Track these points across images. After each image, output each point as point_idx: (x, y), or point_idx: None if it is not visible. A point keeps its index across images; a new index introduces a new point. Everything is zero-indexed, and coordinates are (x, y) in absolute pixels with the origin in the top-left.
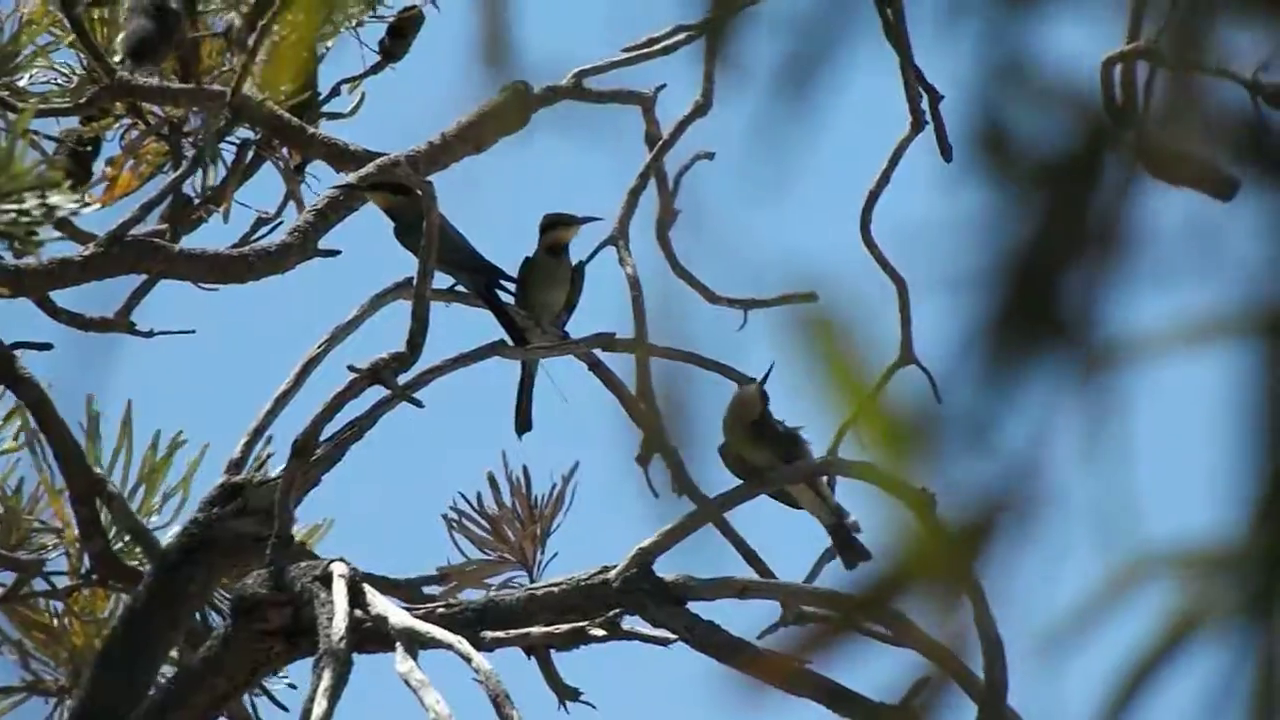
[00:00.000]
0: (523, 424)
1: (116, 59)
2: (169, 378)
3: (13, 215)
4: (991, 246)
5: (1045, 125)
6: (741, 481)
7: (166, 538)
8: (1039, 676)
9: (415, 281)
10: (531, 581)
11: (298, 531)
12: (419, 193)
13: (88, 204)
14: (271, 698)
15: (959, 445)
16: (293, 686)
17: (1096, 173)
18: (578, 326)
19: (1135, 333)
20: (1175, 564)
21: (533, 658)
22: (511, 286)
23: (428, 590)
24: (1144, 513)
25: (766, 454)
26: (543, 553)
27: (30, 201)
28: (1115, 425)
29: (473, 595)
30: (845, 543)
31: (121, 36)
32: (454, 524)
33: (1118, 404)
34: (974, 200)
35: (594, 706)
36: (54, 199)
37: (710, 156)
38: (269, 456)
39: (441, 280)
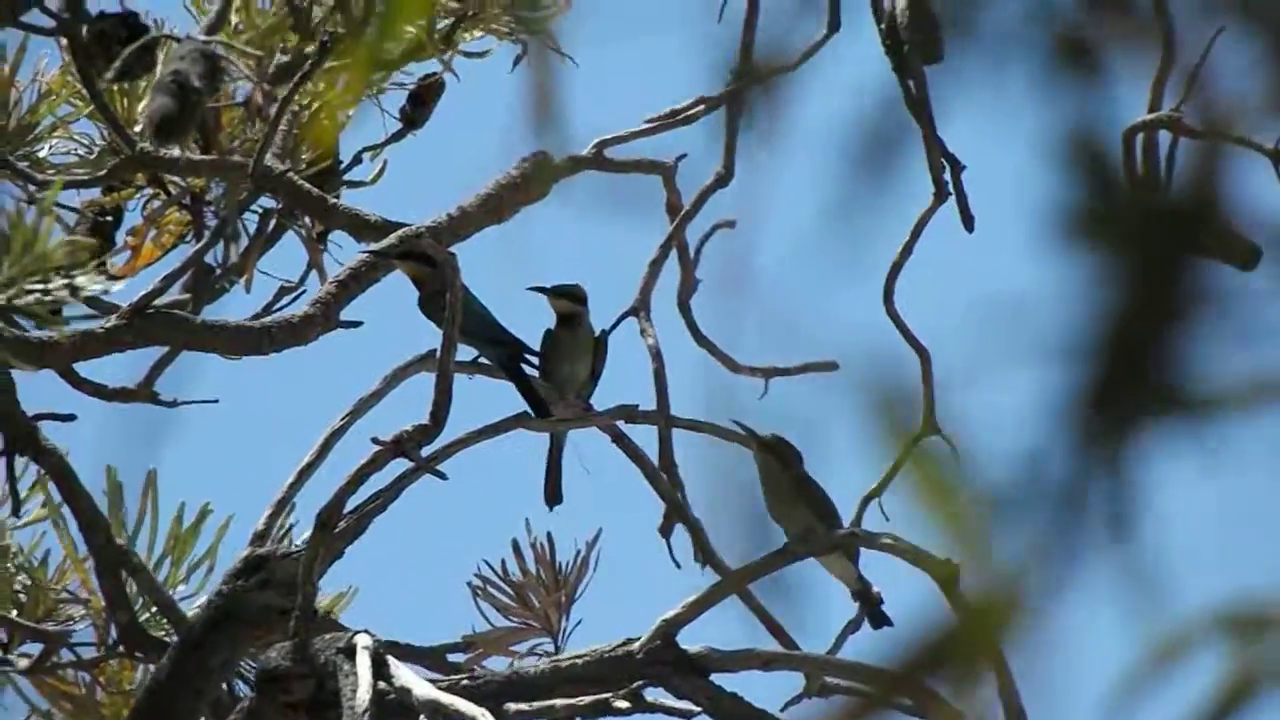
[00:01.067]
0: (553, 496)
1: (137, 129)
2: (193, 448)
3: (37, 295)
4: (1086, 316)
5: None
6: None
7: (192, 609)
8: None
9: (439, 354)
10: (556, 648)
11: (322, 599)
12: (443, 264)
13: (113, 282)
14: None
15: (1052, 516)
16: None
17: (1187, 240)
18: (604, 396)
19: (1223, 390)
20: (1231, 627)
21: None
22: (535, 359)
23: (453, 658)
24: (1202, 575)
25: (804, 515)
26: (567, 620)
27: (55, 282)
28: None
29: (498, 663)
30: (873, 609)
31: (144, 115)
32: (479, 591)
33: (1216, 467)
34: (1060, 272)
35: None
36: (80, 280)
37: (732, 225)
38: (293, 527)
39: (465, 353)
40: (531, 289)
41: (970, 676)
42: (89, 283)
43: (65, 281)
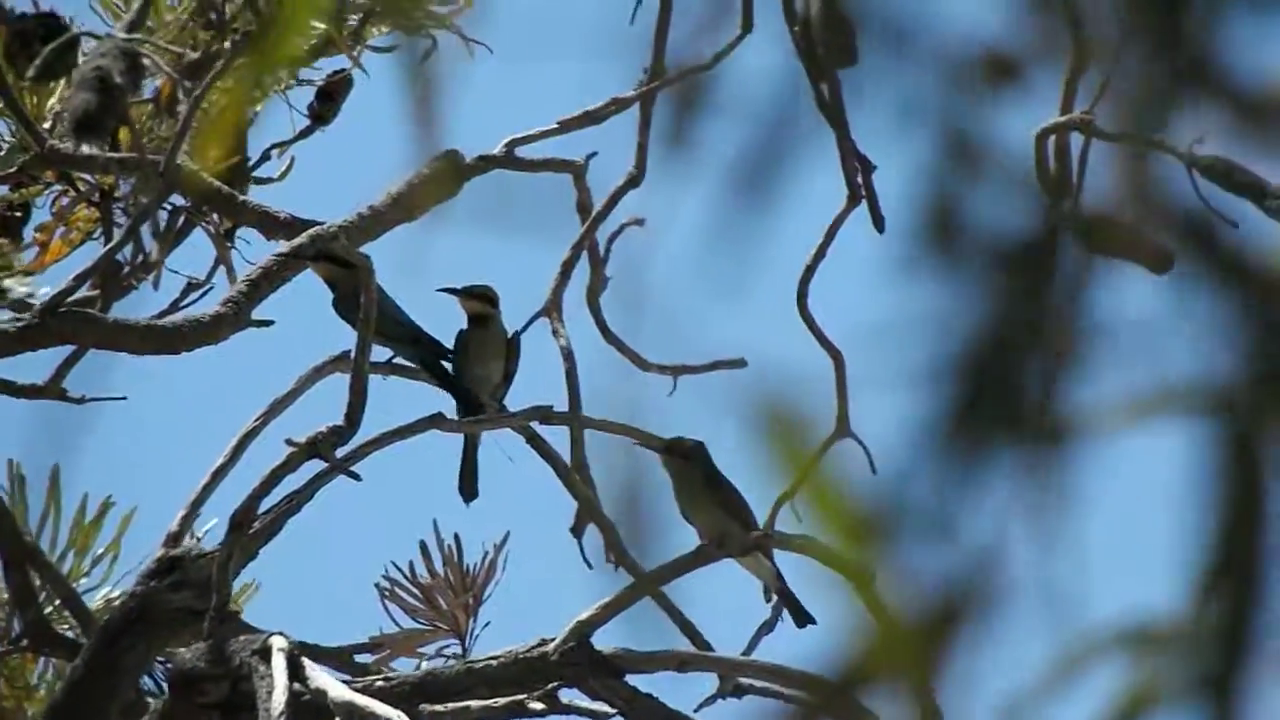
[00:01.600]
0: (469, 492)
1: (46, 126)
2: (103, 448)
3: None
4: (947, 338)
5: (999, 213)
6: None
7: (95, 600)
8: None
9: (354, 355)
10: (464, 650)
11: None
12: (358, 267)
13: (37, 286)
14: None
15: (918, 536)
16: None
17: (1052, 260)
18: (516, 396)
19: (1089, 411)
20: (1128, 642)
21: None
22: (450, 359)
23: (360, 658)
24: (1097, 593)
25: (718, 517)
26: (475, 622)
27: None
28: (1071, 510)
29: (406, 664)
30: (794, 604)
31: (65, 110)
32: (386, 593)
33: (1074, 489)
34: (926, 292)
35: None
36: (6, 283)
37: (640, 223)
38: (210, 528)
39: (380, 353)
40: (442, 290)
41: (895, 690)
42: (16, 285)
43: None
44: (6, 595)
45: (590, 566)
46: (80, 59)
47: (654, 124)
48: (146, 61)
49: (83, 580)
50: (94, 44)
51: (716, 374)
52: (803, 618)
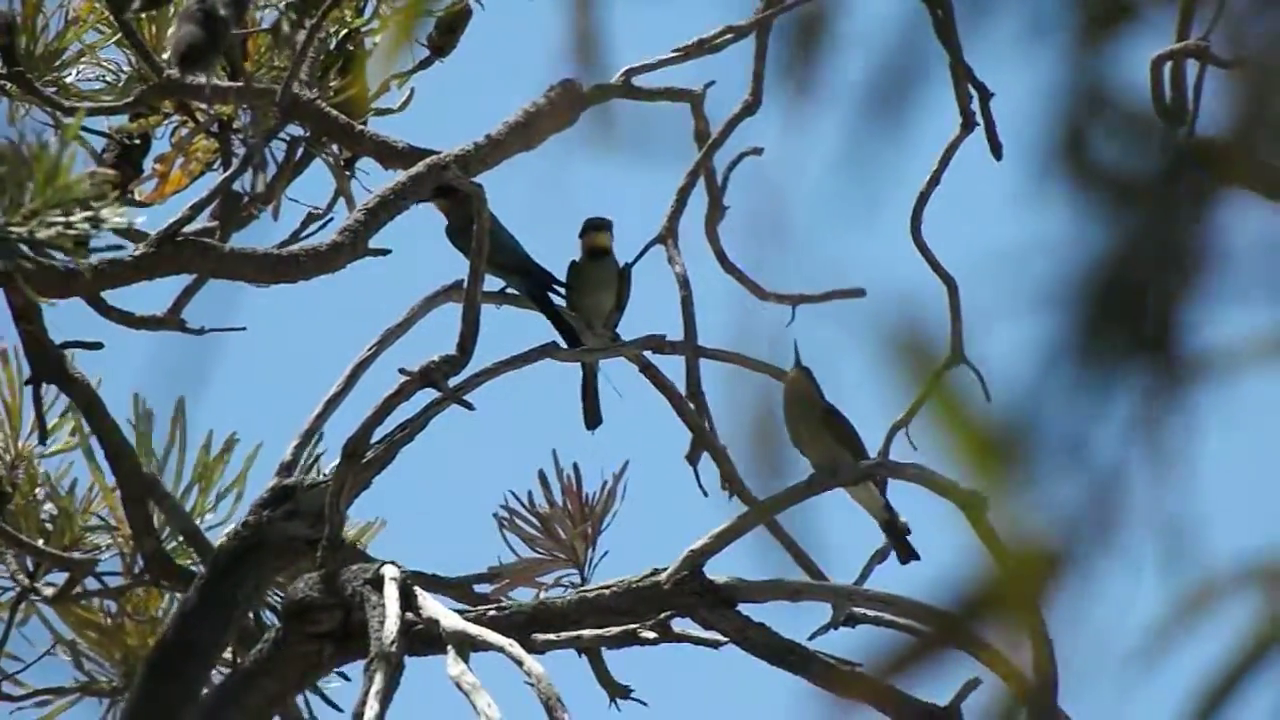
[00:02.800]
0: (592, 419)
1: (165, 56)
2: (222, 377)
3: (60, 228)
4: (1076, 263)
5: (1127, 143)
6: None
7: (220, 537)
8: (1118, 697)
9: (466, 284)
10: (583, 580)
11: (350, 531)
12: (470, 196)
13: (136, 214)
14: (324, 697)
15: (1049, 462)
16: (346, 679)
17: (1179, 190)
18: (630, 325)
19: (1217, 348)
20: (1256, 578)
21: (584, 656)
22: (561, 289)
23: (479, 589)
24: (1222, 527)
25: (830, 445)
26: (594, 551)
27: (77, 214)
28: (1195, 438)
29: (524, 594)
30: (899, 540)
31: (170, 43)
32: (505, 522)
33: (1201, 419)
34: (1055, 218)
35: (645, 704)
36: (104, 212)
37: (759, 152)
38: (320, 456)
39: (492, 283)
40: (590, 221)
41: (1013, 625)
42: (112, 215)
43: (88, 214)
44: (129, 530)
45: (706, 494)
46: None
47: (773, 54)
48: None
49: (207, 516)
50: None
51: (835, 303)
52: (907, 553)
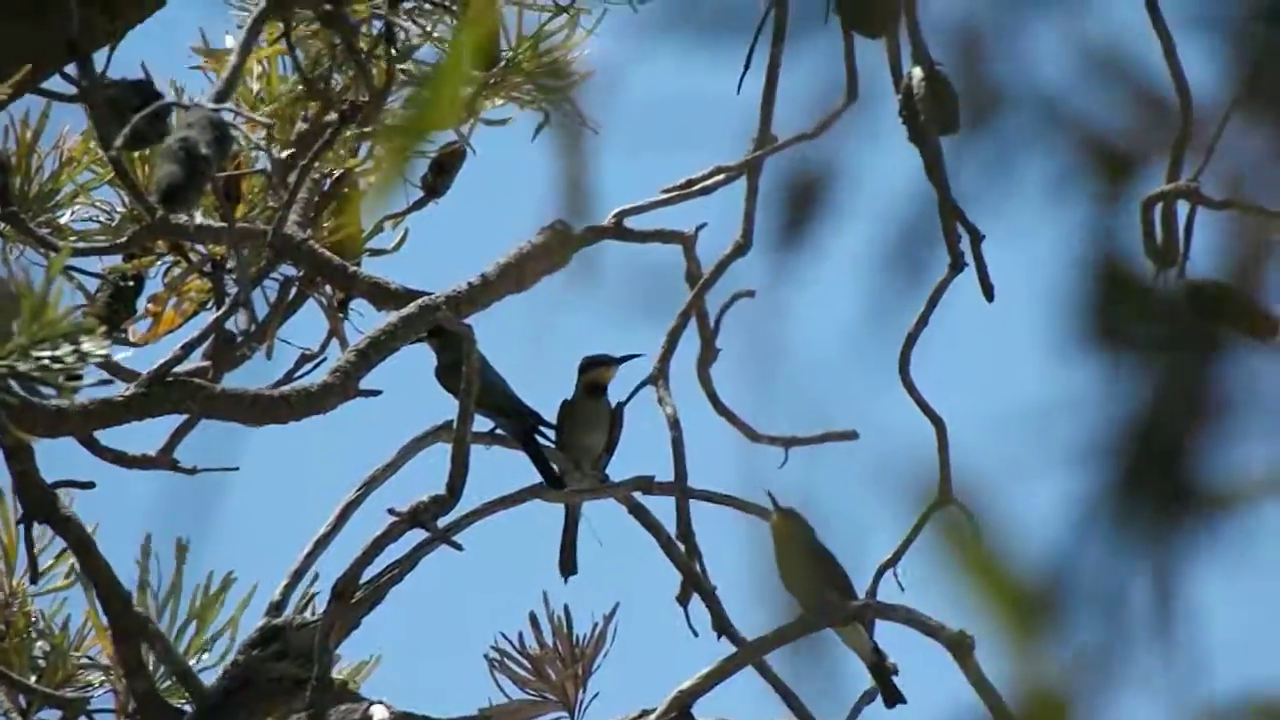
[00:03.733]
0: (567, 567)
1: (151, 195)
2: (211, 516)
3: (45, 362)
4: (1111, 419)
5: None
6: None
7: (211, 679)
8: None
9: (456, 425)
10: None
11: (343, 669)
12: (460, 337)
13: (121, 344)
14: None
15: (1087, 613)
16: None
17: (1210, 341)
18: (620, 465)
19: (1236, 482)
20: (1252, 713)
21: None
22: (549, 430)
23: None
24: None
25: (820, 586)
26: (584, 693)
27: (64, 348)
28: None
29: None
30: (885, 683)
31: (152, 181)
32: (496, 664)
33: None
34: (1078, 377)
35: None
36: (86, 345)
37: (751, 295)
38: (315, 596)
39: (482, 424)
40: (593, 358)
41: None
42: (96, 347)
43: (73, 348)
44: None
45: (696, 635)
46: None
47: (769, 216)
48: (235, 132)
49: (204, 656)
50: (182, 113)
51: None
52: (893, 697)
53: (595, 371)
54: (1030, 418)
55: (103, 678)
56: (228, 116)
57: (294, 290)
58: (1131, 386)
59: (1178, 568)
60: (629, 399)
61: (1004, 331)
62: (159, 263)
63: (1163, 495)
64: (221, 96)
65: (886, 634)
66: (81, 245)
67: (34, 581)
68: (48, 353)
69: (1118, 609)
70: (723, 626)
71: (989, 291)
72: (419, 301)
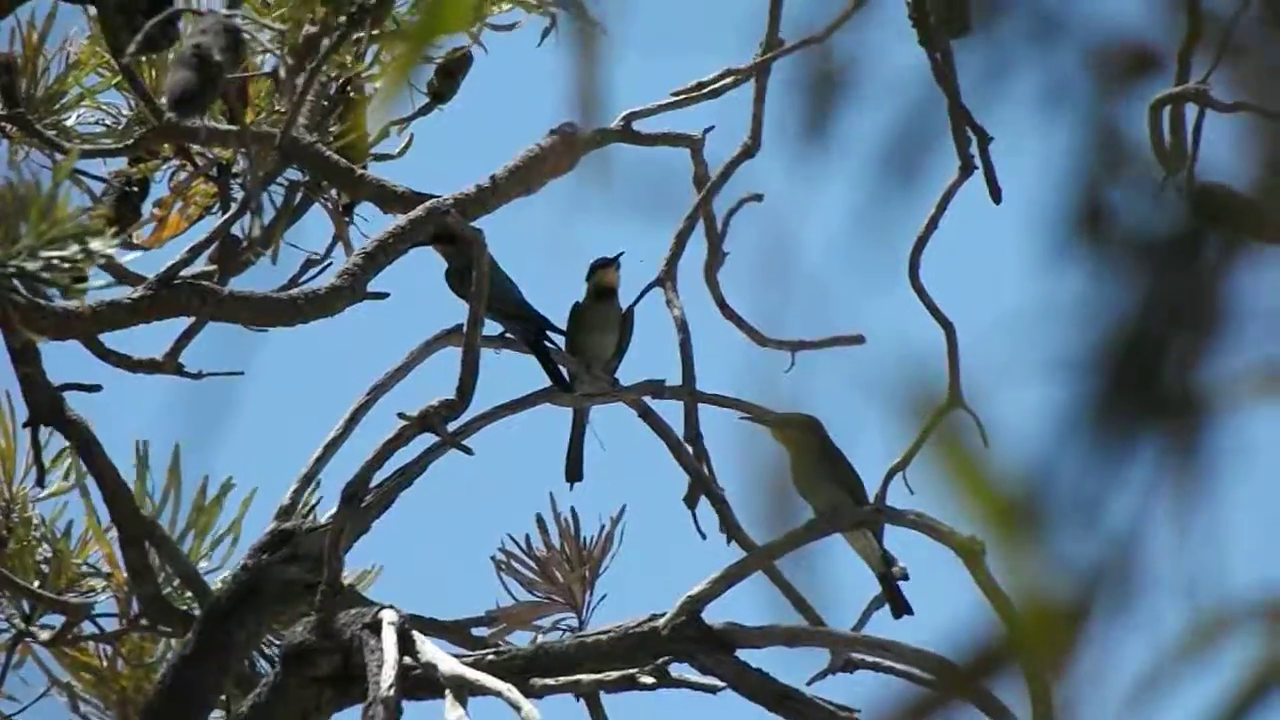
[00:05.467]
0: (574, 473)
1: (162, 102)
2: (222, 420)
3: (53, 261)
4: (1094, 326)
5: (1141, 203)
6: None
7: (216, 582)
8: None
9: (465, 329)
10: (580, 623)
11: (348, 575)
12: (470, 242)
13: (128, 247)
14: None
15: (1065, 521)
16: None
17: (1197, 251)
18: (628, 366)
19: (1227, 386)
20: (1260, 616)
21: (582, 700)
22: (557, 335)
23: (477, 632)
24: (1236, 569)
25: (831, 490)
26: (591, 595)
27: (71, 248)
28: (1212, 494)
29: (522, 638)
30: (893, 593)
31: (165, 88)
32: (503, 566)
33: (1215, 472)
34: (1070, 281)
35: None
36: (95, 244)
37: (759, 198)
38: (319, 502)
39: (491, 327)
40: (600, 260)
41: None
42: (103, 246)
43: (80, 248)
44: (125, 575)
45: (704, 537)
46: (182, 34)
47: (773, 98)
48: (248, 38)
49: (204, 561)
50: (196, 19)
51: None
52: (899, 607)
53: (600, 274)
54: (1024, 322)
55: (105, 583)
56: (240, 23)
57: (300, 194)
58: (1123, 290)
59: (1158, 477)
60: (637, 300)
61: (1012, 235)
62: (164, 166)
63: (1144, 404)
64: (234, 2)
65: (901, 541)
66: (87, 148)
67: (40, 485)
68: (55, 252)
69: (1096, 519)
70: (732, 530)
71: (997, 194)
72: (426, 204)
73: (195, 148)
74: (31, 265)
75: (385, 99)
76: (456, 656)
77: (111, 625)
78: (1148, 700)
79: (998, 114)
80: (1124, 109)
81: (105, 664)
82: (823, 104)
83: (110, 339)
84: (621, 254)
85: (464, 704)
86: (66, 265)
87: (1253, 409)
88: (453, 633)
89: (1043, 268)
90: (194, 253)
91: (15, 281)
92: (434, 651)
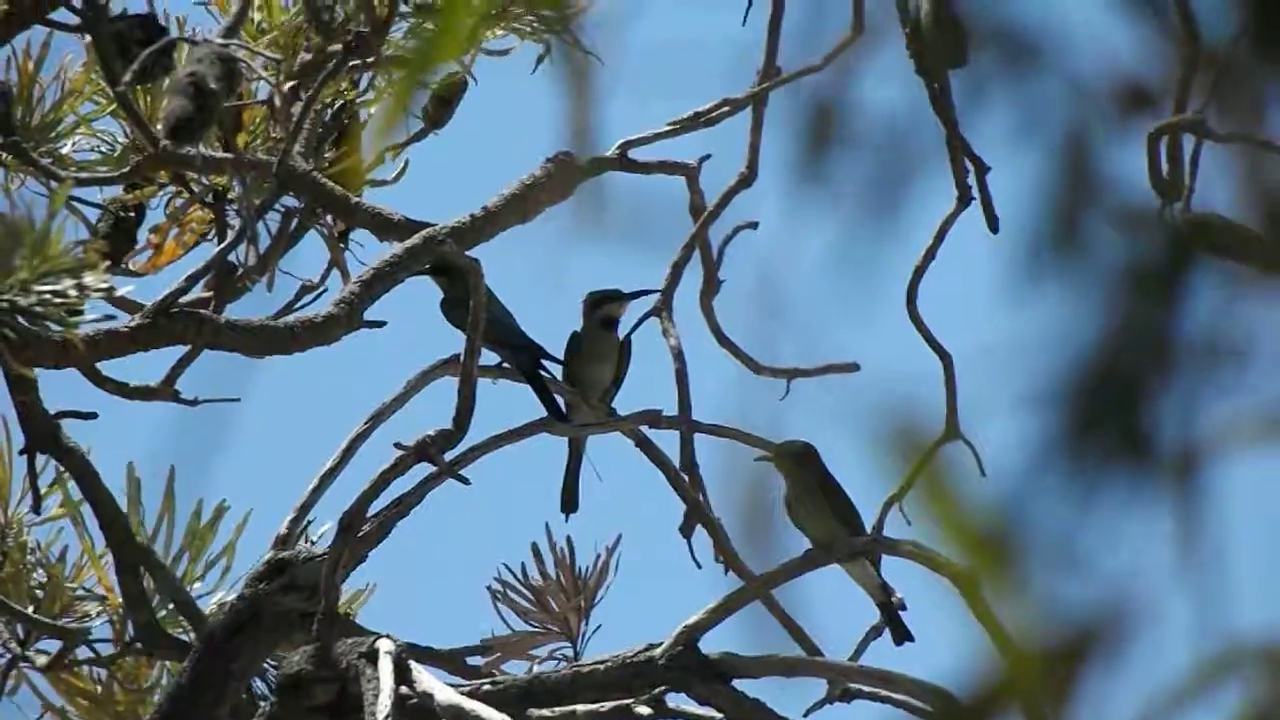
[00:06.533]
0: (569, 503)
1: (159, 129)
2: (217, 447)
3: (47, 297)
4: (1070, 358)
5: (1124, 237)
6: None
7: (209, 605)
8: None
9: (462, 358)
10: (576, 653)
11: (341, 598)
12: (467, 271)
13: (124, 275)
14: None
15: (1046, 561)
16: None
17: (1178, 282)
18: (625, 395)
19: (1219, 429)
20: (1261, 658)
21: None
22: (554, 364)
23: (472, 661)
24: (1234, 611)
25: (828, 521)
26: (587, 624)
27: (65, 283)
28: (1204, 532)
29: (517, 667)
30: (894, 620)
31: (161, 116)
32: (498, 595)
33: (1204, 511)
34: (1047, 313)
35: None
36: (88, 279)
37: (754, 226)
38: (317, 529)
39: (488, 357)
40: (605, 293)
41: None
42: (96, 281)
43: (74, 282)
44: (120, 599)
45: (700, 566)
46: (177, 63)
47: (770, 129)
48: (243, 67)
49: (197, 585)
50: (191, 49)
51: (830, 377)
52: (901, 635)
53: (608, 306)
54: (1005, 353)
55: (100, 608)
56: (236, 52)
57: (296, 221)
58: (1096, 321)
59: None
60: (633, 330)
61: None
62: (160, 193)
63: (1116, 441)
64: (230, 31)
65: (899, 570)
66: (83, 176)
67: (36, 511)
68: (49, 287)
69: (1070, 557)
70: (728, 560)
71: (994, 223)
72: (422, 233)
73: (192, 175)
74: (25, 301)
75: (384, 127)
76: (452, 686)
77: (107, 650)
78: None
79: (982, 141)
80: (1108, 138)
81: (100, 689)
82: (817, 135)
83: (106, 366)
84: (650, 291)
85: None
86: (59, 300)
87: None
88: (448, 662)
89: (1019, 298)
90: (191, 281)
91: (14, 317)
92: (430, 681)
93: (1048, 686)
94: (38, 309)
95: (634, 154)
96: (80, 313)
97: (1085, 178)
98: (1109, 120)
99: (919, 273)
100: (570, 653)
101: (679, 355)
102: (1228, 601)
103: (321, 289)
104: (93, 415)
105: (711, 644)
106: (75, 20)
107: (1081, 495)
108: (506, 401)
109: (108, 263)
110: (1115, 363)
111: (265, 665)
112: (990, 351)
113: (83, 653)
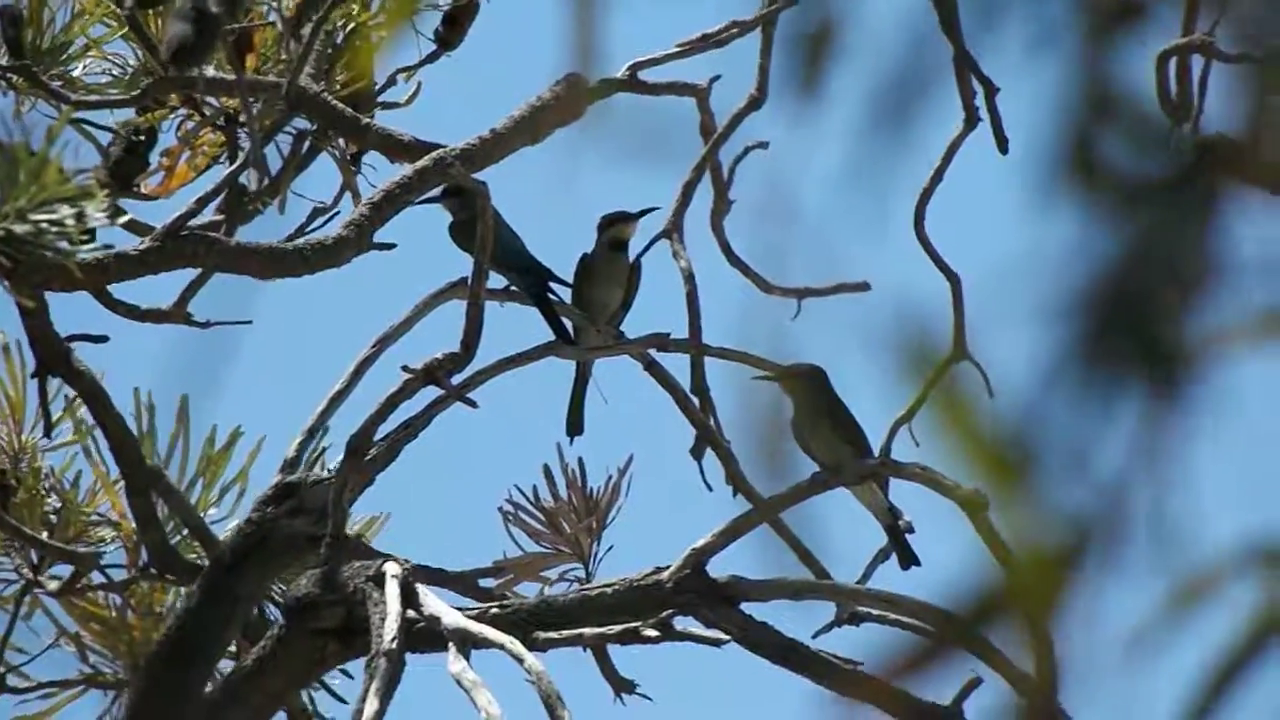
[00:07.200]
0: (575, 427)
1: (161, 53)
2: (226, 370)
3: (44, 225)
4: (1082, 272)
5: (1137, 151)
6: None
7: (224, 532)
8: (1121, 684)
9: (470, 282)
10: (587, 574)
11: (355, 525)
12: (475, 194)
13: (138, 198)
14: (329, 690)
15: (1055, 470)
16: (348, 675)
17: (1189, 198)
18: (635, 317)
19: (1216, 335)
20: (1258, 563)
21: (590, 651)
22: (561, 287)
23: (484, 583)
24: (1223, 518)
25: (836, 444)
26: (598, 546)
27: (63, 211)
28: (1198, 443)
29: (529, 588)
30: (900, 544)
31: (163, 41)
32: (510, 517)
33: (1202, 420)
34: (1061, 227)
35: (650, 699)
36: (87, 208)
37: (764, 146)
38: (324, 451)
39: (496, 280)
40: (615, 214)
41: (1017, 627)
42: (96, 210)
43: (73, 211)
44: (134, 524)
45: (710, 489)
46: None
47: (779, 49)
48: None
49: (211, 510)
50: None
51: (840, 297)
52: (908, 559)
53: (616, 227)
54: (1017, 269)
55: (114, 533)
56: None
57: (307, 144)
58: (1112, 236)
59: (1146, 426)
60: (644, 252)
61: (1016, 183)
62: (172, 116)
63: (1131, 352)
64: None
65: (906, 493)
66: (94, 99)
67: (47, 435)
68: (46, 216)
69: (1085, 470)
70: (737, 483)
71: (1003, 144)
72: (432, 154)
73: (204, 97)
74: (20, 229)
75: (387, 42)
76: (460, 609)
77: (120, 575)
78: (1147, 647)
79: (991, 59)
80: (1121, 56)
81: (114, 614)
82: (820, 53)
83: (117, 289)
84: (653, 209)
85: (467, 657)
86: (56, 230)
87: (1244, 356)
88: (460, 583)
89: (1034, 214)
90: (202, 204)
91: (9, 245)
92: (437, 604)
93: (1046, 594)
94: (31, 238)
95: (643, 75)
96: (91, 235)
97: (1099, 94)
98: (1118, 35)
99: (926, 194)
100: (582, 574)
101: (689, 277)
102: (1211, 513)
103: (334, 211)
104: (104, 339)
105: (719, 567)
106: None
107: (1097, 406)
108: (515, 325)
109: (107, 191)
110: (1130, 276)
111: (274, 588)
112: (1000, 272)
113: (96, 578)
